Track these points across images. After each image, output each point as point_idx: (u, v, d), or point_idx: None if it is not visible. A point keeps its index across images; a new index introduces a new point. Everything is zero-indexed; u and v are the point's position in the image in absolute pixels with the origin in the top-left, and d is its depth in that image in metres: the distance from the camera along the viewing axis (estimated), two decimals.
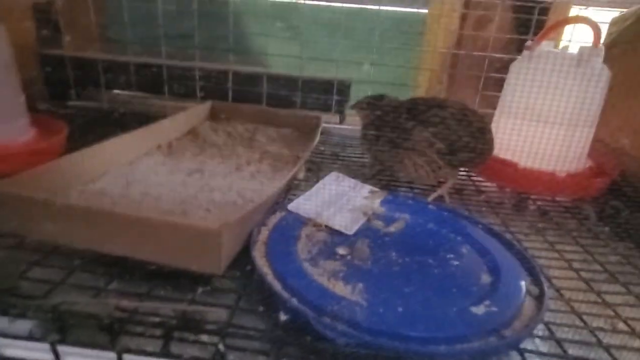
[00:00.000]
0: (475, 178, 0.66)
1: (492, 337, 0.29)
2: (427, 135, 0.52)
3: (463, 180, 0.65)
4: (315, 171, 0.61)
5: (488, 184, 0.64)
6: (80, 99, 0.87)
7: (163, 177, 0.51)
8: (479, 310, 0.31)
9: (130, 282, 0.33)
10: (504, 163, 0.62)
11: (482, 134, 0.55)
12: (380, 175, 0.62)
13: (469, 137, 0.53)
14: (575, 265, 0.43)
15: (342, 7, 0.84)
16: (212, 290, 0.33)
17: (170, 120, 0.64)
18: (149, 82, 0.85)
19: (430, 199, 0.55)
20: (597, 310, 0.36)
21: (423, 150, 0.53)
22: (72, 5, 0.85)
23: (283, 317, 0.30)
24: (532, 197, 0.60)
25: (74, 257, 0.35)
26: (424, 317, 0.30)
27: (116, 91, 0.88)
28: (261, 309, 0.32)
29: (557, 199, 0.60)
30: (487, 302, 0.32)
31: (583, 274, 0.41)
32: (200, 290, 0.33)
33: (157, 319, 0.28)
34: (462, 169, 0.62)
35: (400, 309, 0.31)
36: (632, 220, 0.54)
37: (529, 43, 0.62)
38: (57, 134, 0.58)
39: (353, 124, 0.89)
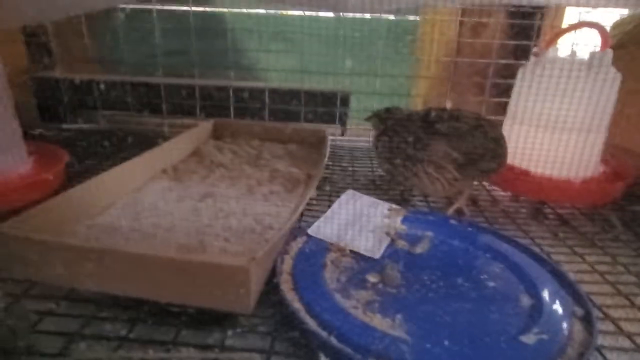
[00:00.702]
0: (489, 188, 0.64)
1: None
2: (444, 147, 0.51)
3: (477, 190, 0.63)
4: (325, 188, 0.60)
5: (502, 193, 0.63)
6: (75, 121, 0.84)
7: (173, 204, 0.49)
8: (530, 339, 0.30)
9: (153, 327, 0.31)
10: (518, 171, 0.60)
11: (497, 144, 0.54)
12: (395, 190, 0.61)
13: (485, 148, 0.52)
14: (610, 278, 0.41)
15: (337, 17, 0.82)
16: (243, 332, 0.31)
17: (173, 142, 0.62)
18: (147, 101, 0.82)
19: (449, 212, 0.54)
20: None
21: (440, 162, 0.51)
22: (64, 26, 0.83)
23: (323, 359, 0.28)
24: (550, 205, 0.59)
25: (88, 302, 0.32)
26: (474, 351, 0.28)
27: (112, 112, 0.85)
28: (297, 350, 0.30)
29: (575, 206, 0.59)
30: (535, 330, 0.30)
31: (620, 287, 0.40)
32: (229, 332, 0.30)
33: None
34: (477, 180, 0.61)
35: (446, 343, 0.29)
36: None
37: (536, 49, 0.61)
38: (56, 162, 0.55)
39: (355, 135, 0.88)
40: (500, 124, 0.64)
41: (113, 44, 0.82)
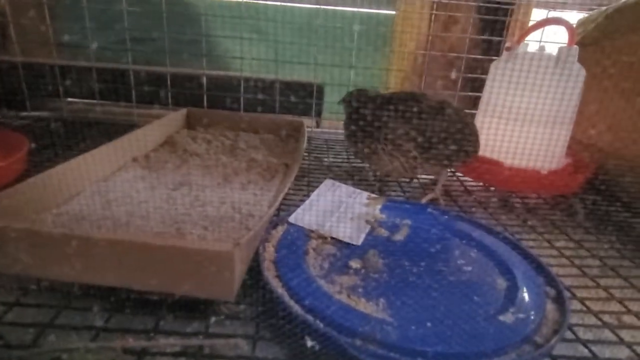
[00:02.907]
0: (462, 178, 0.66)
1: (526, 346, 0.29)
2: (403, 126, 0.51)
3: (451, 180, 0.65)
4: (301, 178, 0.59)
5: (474, 183, 0.65)
6: (36, 109, 0.79)
7: (145, 193, 0.47)
8: (508, 318, 0.31)
9: (130, 317, 0.30)
10: (490, 162, 0.62)
11: (463, 131, 0.54)
12: (371, 181, 0.61)
13: (447, 132, 0.52)
14: (576, 261, 0.44)
15: (311, 8, 0.82)
16: (226, 319, 0.30)
17: (145, 130, 0.60)
18: (114, 89, 0.78)
19: (423, 201, 0.55)
20: (609, 307, 0.36)
21: (398, 141, 0.52)
22: (19, 6, 0.77)
23: (309, 343, 0.28)
24: (518, 195, 0.61)
25: (58, 292, 0.31)
26: (456, 332, 0.29)
27: (76, 100, 0.80)
28: (283, 335, 0.29)
29: (541, 196, 0.61)
30: (512, 309, 0.32)
31: (585, 270, 0.42)
32: (213, 319, 0.30)
33: None
34: (448, 168, 0.62)
35: (429, 324, 0.30)
36: (614, 214, 0.56)
37: (509, 44, 0.63)
38: (17, 149, 0.51)
39: (329, 127, 0.88)
40: (468, 112, 0.66)
41: (77, 28, 0.77)
